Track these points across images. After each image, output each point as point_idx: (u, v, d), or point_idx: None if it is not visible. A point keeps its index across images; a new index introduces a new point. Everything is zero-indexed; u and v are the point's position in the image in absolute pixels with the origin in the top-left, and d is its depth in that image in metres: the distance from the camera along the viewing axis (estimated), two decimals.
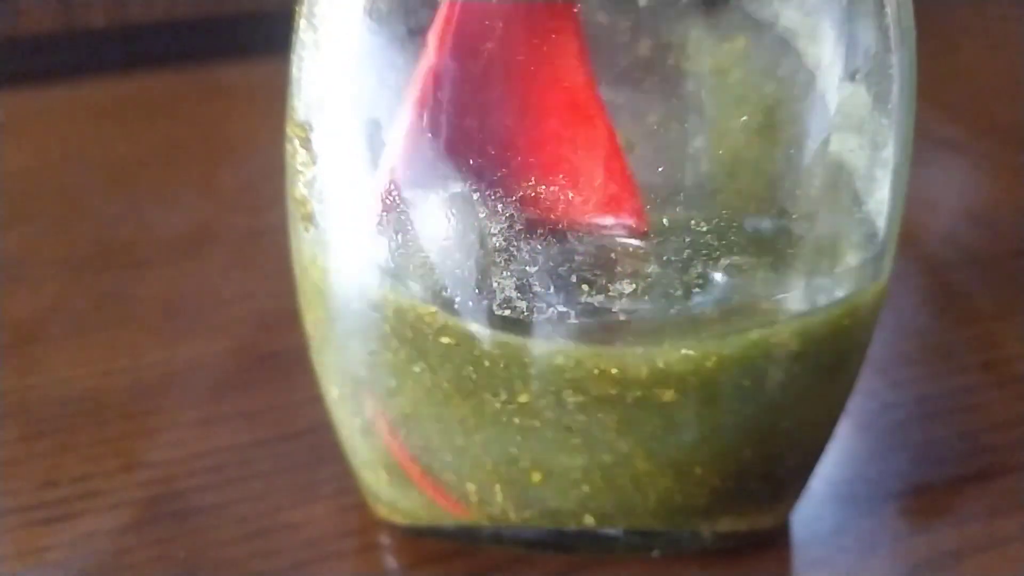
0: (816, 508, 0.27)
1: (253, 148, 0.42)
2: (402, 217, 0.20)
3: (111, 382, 0.32)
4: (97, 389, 0.31)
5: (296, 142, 0.22)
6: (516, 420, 0.22)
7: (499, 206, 0.20)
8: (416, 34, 0.20)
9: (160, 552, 0.25)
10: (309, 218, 0.22)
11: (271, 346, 0.33)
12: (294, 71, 0.22)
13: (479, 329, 0.21)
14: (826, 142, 0.20)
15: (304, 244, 0.23)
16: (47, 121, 0.50)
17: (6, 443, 0.29)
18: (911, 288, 0.37)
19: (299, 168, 0.22)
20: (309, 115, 0.21)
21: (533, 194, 0.20)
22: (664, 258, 0.20)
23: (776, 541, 0.26)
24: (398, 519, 0.26)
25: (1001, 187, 0.44)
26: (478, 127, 0.20)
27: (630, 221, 0.20)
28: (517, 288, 0.20)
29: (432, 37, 0.19)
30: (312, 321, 0.24)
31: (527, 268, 0.20)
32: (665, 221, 0.20)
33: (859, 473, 0.28)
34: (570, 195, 0.20)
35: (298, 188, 0.22)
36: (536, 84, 0.19)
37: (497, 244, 0.20)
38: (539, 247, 0.20)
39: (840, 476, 0.28)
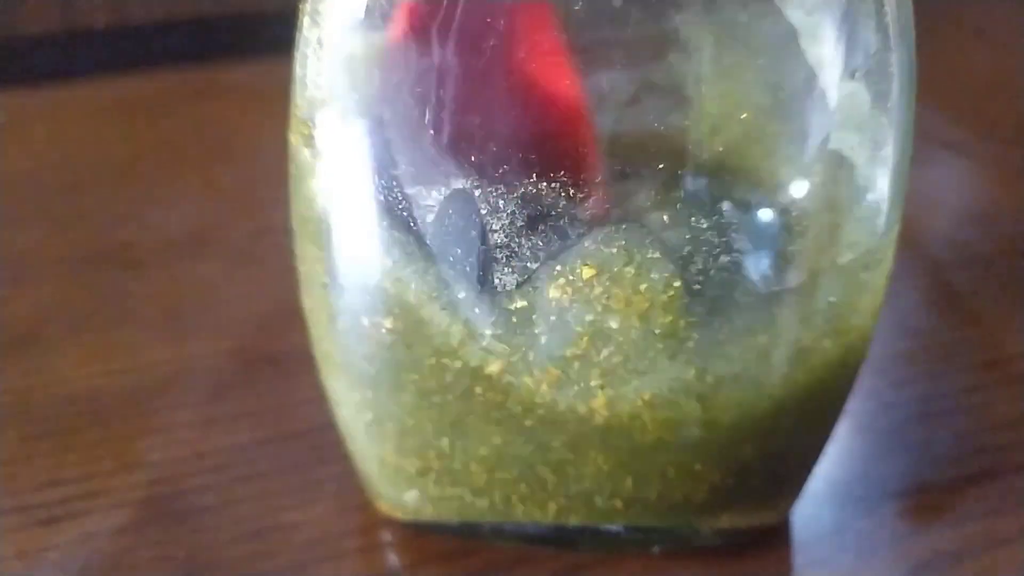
0: (816, 508, 0.27)
1: (253, 148, 0.42)
2: (404, 214, 0.21)
3: (111, 382, 0.31)
4: (97, 389, 0.31)
5: (299, 140, 0.22)
6: (515, 417, 0.22)
7: (500, 202, 0.20)
8: (417, 32, 0.20)
9: (160, 552, 0.25)
10: (312, 216, 0.22)
11: (271, 346, 0.33)
12: (297, 69, 0.22)
13: (481, 326, 0.21)
14: (826, 140, 0.20)
15: (307, 242, 0.23)
16: (47, 121, 0.50)
17: (6, 443, 0.29)
18: (911, 288, 0.37)
19: (302, 166, 0.22)
20: (312, 113, 0.21)
21: (533, 190, 0.20)
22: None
23: (776, 538, 0.26)
24: (400, 515, 0.26)
25: (1001, 187, 0.44)
26: (478, 124, 0.20)
27: (593, 207, 0.20)
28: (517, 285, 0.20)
29: (433, 34, 0.19)
30: (315, 318, 0.24)
31: (528, 264, 0.20)
32: (665, 218, 0.20)
33: (859, 473, 0.28)
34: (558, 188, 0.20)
35: (301, 186, 0.22)
36: (519, 78, 0.20)
37: (498, 240, 0.20)
38: (540, 243, 0.20)
39: (840, 476, 0.28)
